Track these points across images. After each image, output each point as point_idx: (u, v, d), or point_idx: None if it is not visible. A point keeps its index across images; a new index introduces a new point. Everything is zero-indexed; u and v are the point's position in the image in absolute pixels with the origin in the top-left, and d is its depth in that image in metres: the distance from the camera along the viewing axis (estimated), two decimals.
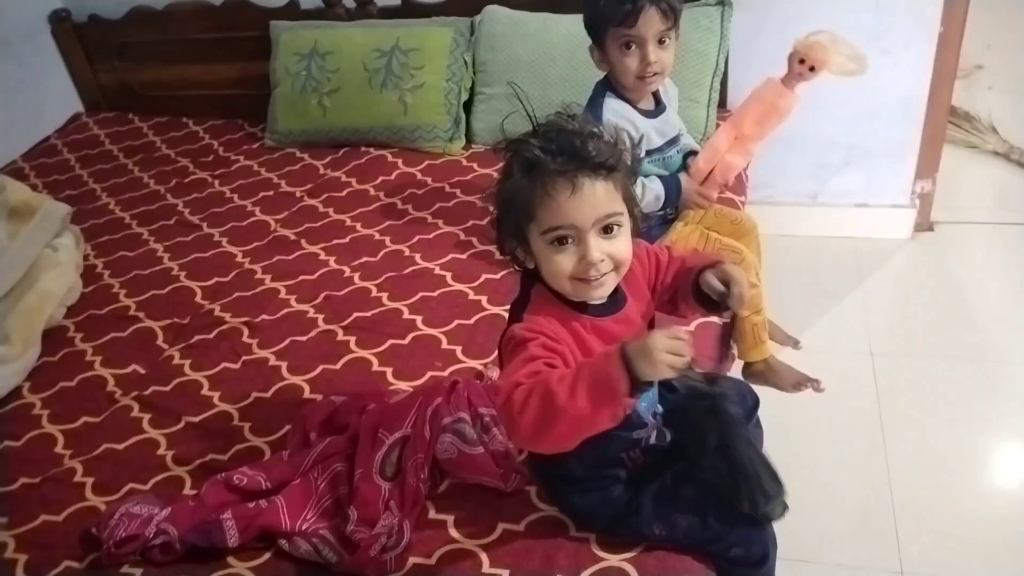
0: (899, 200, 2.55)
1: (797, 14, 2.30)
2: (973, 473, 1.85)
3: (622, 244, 1.08)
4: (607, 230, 1.06)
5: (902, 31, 2.29)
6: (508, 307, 1.70)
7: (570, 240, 1.05)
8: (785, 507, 1.16)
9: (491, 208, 1.13)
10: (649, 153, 1.74)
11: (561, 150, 1.03)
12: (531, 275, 1.14)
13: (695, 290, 1.16)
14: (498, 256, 1.19)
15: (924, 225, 2.59)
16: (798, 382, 1.88)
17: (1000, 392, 2.03)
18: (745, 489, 1.13)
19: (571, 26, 2.29)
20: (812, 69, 1.62)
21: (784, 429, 1.77)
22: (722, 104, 2.38)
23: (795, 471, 1.73)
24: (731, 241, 1.83)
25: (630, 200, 1.10)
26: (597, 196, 1.04)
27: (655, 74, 1.64)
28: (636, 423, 1.20)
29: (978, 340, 2.18)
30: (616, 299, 1.16)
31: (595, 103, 1.68)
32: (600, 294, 1.10)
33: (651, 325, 1.22)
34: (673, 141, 1.80)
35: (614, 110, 1.66)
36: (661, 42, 1.62)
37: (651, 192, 1.73)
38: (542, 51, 2.33)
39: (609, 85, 1.70)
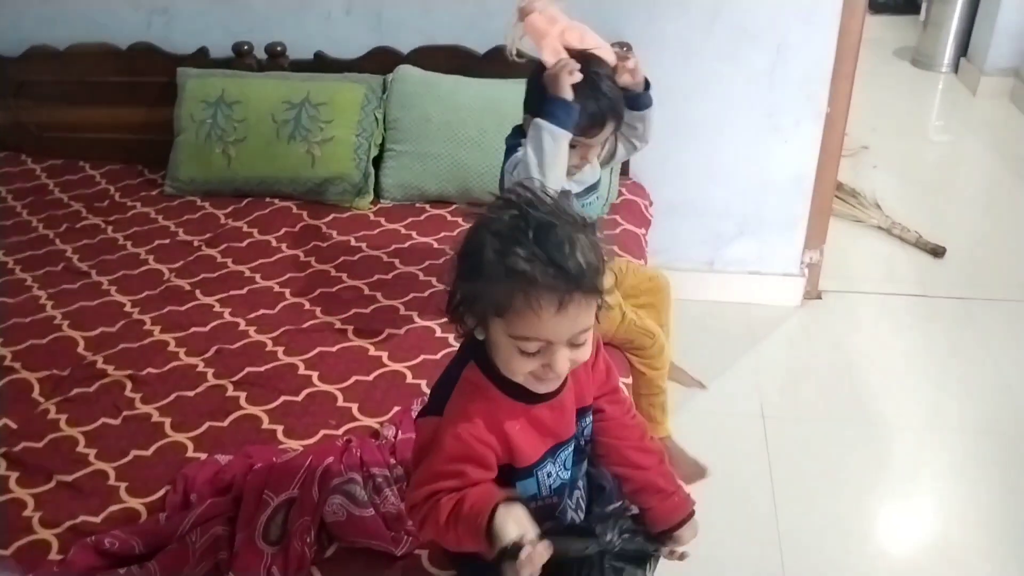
0: (789, 269, 2.67)
1: (693, 90, 2.42)
2: (860, 535, 1.90)
3: (587, 350, 1.05)
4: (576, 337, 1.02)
5: (792, 110, 2.43)
6: (410, 363, 1.73)
7: (539, 350, 1.00)
8: None
9: (449, 274, 1.03)
10: None
11: (551, 260, 0.95)
12: (471, 348, 1.09)
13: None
14: (442, 318, 1.17)
15: (813, 293, 2.72)
16: (691, 475, 1.87)
17: (885, 454, 2.12)
18: None
19: (482, 89, 2.35)
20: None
21: None
22: (624, 172, 2.46)
23: None
24: (645, 324, 1.83)
25: (600, 301, 1.03)
26: (580, 315, 0.98)
27: None
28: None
29: (864, 404, 2.27)
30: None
31: (512, 157, 1.62)
32: (548, 388, 1.07)
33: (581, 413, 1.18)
34: (592, 188, 1.77)
35: None
36: None
37: (538, 140, 1.51)
38: (453, 112, 2.36)
39: (523, 134, 1.61)
